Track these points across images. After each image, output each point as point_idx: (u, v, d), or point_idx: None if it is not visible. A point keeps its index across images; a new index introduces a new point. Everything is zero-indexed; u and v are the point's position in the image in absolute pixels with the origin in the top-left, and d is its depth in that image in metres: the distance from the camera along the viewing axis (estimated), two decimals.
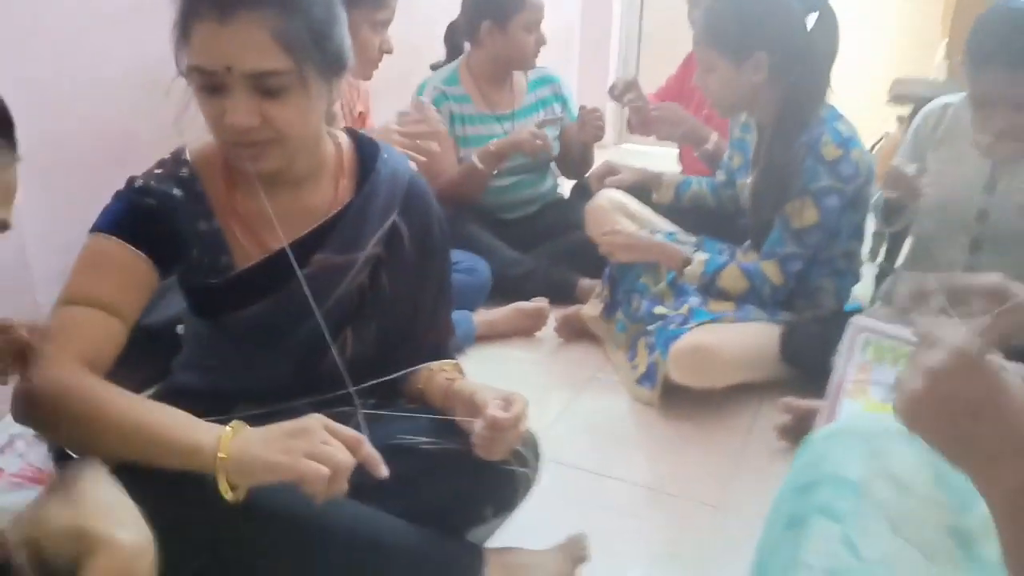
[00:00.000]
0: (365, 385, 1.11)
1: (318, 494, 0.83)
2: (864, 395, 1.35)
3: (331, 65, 1.00)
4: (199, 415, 0.89)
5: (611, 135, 3.72)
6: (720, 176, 2.10)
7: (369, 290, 1.15)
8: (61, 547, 0.65)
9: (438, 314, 1.24)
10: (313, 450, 0.83)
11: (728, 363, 1.69)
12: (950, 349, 0.60)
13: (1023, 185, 1.56)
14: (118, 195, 1.05)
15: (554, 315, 2.14)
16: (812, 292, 1.79)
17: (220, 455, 0.84)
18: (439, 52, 2.50)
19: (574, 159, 2.47)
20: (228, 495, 0.83)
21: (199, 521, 0.87)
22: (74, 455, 0.94)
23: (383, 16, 1.82)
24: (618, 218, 2.05)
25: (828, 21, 1.70)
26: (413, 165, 1.23)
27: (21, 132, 0.80)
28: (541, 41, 2.28)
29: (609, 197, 2.11)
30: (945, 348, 0.60)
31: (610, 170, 2.29)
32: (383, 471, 0.89)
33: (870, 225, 1.88)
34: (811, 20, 1.69)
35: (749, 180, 1.86)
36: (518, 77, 2.41)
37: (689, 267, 1.80)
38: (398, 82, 2.30)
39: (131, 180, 1.06)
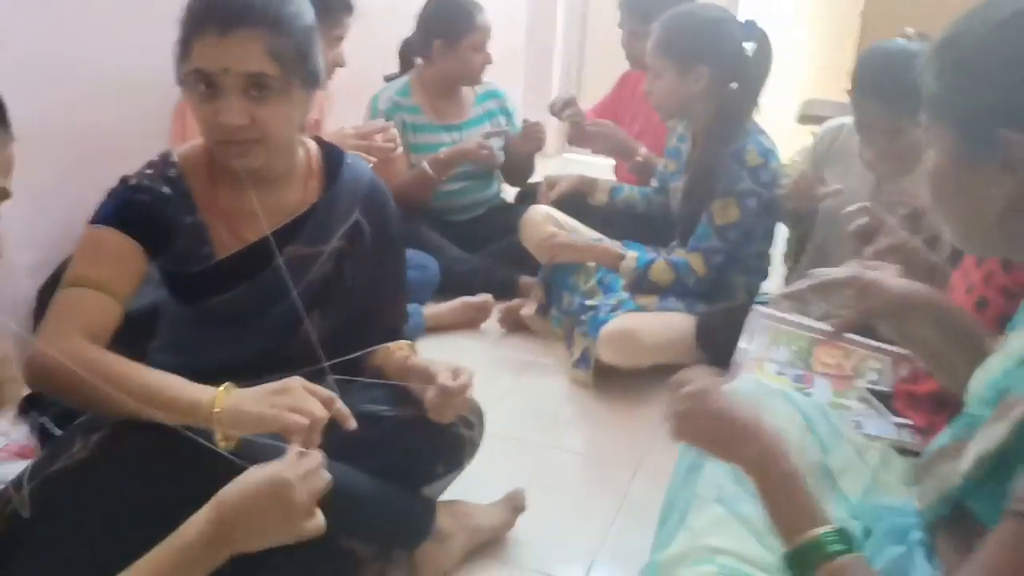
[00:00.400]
0: (333, 362, 1.22)
1: (299, 442, 0.98)
2: (761, 370, 1.57)
3: (310, 78, 1.15)
4: None
5: (553, 146, 3.88)
6: (654, 183, 2.31)
7: (334, 278, 1.28)
8: None
9: (395, 300, 1.40)
10: (294, 404, 0.98)
11: (650, 346, 1.90)
12: (697, 384, 0.85)
13: (903, 197, 1.80)
14: (113, 192, 1.16)
15: (497, 308, 2.31)
16: (726, 287, 2.02)
17: (215, 410, 0.98)
18: (391, 65, 2.64)
19: (517, 167, 2.64)
20: (223, 444, 0.97)
21: (189, 469, 0.96)
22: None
23: (337, 32, 1.97)
24: (549, 228, 2.23)
25: (764, 50, 1.94)
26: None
27: None
28: (488, 60, 2.46)
29: (541, 211, 2.29)
30: (694, 384, 0.85)
31: (551, 184, 2.44)
32: (352, 424, 1.04)
33: (785, 231, 2.11)
34: (750, 47, 1.92)
35: (681, 183, 2.08)
36: (466, 91, 2.57)
37: (624, 262, 2.00)
38: (353, 92, 2.44)
39: (124, 179, 1.17)
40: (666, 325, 1.93)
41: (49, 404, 1.18)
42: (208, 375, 1.04)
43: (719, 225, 1.92)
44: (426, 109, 2.51)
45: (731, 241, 1.94)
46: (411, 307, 2.13)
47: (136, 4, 1.96)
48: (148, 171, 1.19)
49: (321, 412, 1.00)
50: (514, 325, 2.30)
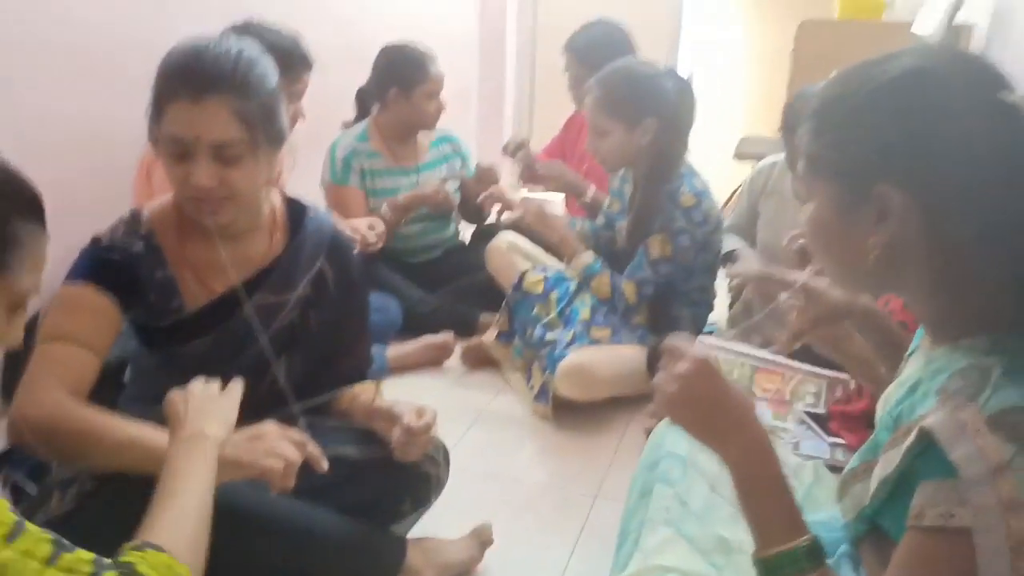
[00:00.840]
0: (302, 405, 1.28)
1: (274, 485, 1.04)
2: None
3: (275, 138, 1.21)
4: None
5: (510, 183, 4.00)
6: (601, 220, 2.42)
7: (300, 325, 1.33)
8: None
9: (359, 343, 1.45)
10: (269, 448, 1.03)
11: (605, 379, 2.00)
12: (692, 359, 0.79)
13: None
14: (85, 252, 1.21)
15: (459, 347, 2.37)
16: (673, 320, 2.11)
17: None
18: (348, 112, 2.71)
19: (473, 208, 2.70)
20: None
21: None
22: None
23: (298, 88, 2.03)
24: (514, 257, 2.32)
25: (688, 96, 2.06)
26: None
27: None
28: (441, 107, 2.54)
29: (507, 240, 2.38)
30: (689, 359, 0.80)
31: (499, 198, 2.48)
32: (324, 465, 1.10)
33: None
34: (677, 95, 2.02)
35: (626, 222, 2.19)
36: (422, 135, 2.65)
37: (576, 259, 2.11)
38: (311, 139, 2.46)
39: (96, 238, 1.22)
40: (619, 359, 2.03)
41: (21, 460, 1.20)
42: None
43: (653, 259, 2.03)
44: (384, 153, 2.58)
45: (662, 275, 2.04)
46: (374, 349, 2.17)
47: (95, 61, 2.01)
48: (119, 229, 1.23)
49: (295, 455, 1.05)
50: (476, 362, 2.36)
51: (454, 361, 2.39)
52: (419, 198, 2.49)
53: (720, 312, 2.34)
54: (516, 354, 2.25)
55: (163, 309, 1.25)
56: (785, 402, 1.64)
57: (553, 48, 2.82)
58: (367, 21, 3.18)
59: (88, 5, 2.00)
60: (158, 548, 0.81)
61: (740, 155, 2.93)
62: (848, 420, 1.55)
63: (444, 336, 2.37)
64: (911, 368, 0.81)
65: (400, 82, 2.47)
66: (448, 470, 1.42)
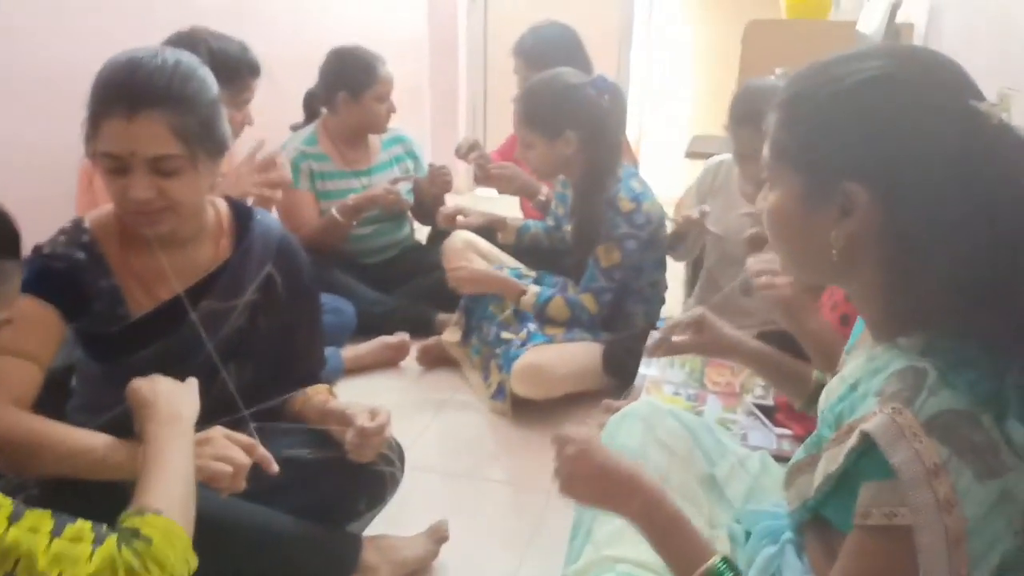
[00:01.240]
0: (253, 410, 1.27)
1: (223, 489, 1.04)
2: (659, 392, 1.70)
3: (215, 148, 1.20)
4: None
5: (464, 183, 4.00)
6: (550, 221, 2.45)
7: (249, 330, 1.32)
8: None
9: (311, 346, 1.45)
10: (216, 453, 1.04)
11: (561, 377, 2.01)
12: (577, 443, 0.92)
13: None
14: (27, 261, 1.15)
15: (415, 347, 2.37)
16: (626, 317, 2.15)
17: None
18: (296, 115, 2.68)
19: (427, 208, 2.72)
20: None
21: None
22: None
23: (245, 96, 1.99)
24: (471, 256, 2.31)
25: (618, 100, 2.08)
26: (274, 213, 1.41)
27: None
28: (391, 109, 2.54)
29: (463, 238, 2.37)
30: (574, 443, 0.92)
31: (459, 210, 2.52)
32: (274, 468, 1.10)
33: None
34: (606, 101, 2.04)
35: (569, 228, 2.20)
36: (372, 137, 2.64)
37: (524, 297, 2.11)
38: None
39: (37, 248, 1.20)
40: (574, 356, 2.04)
41: None
42: (128, 432, 1.07)
43: (604, 268, 2.05)
44: (334, 156, 2.57)
45: (617, 280, 2.06)
46: (329, 350, 2.16)
47: (36, 76, 1.97)
48: (61, 238, 1.22)
49: (243, 459, 1.06)
50: (433, 361, 2.36)
51: (410, 361, 2.39)
52: (370, 199, 2.48)
53: (672, 306, 2.38)
54: (474, 353, 2.26)
55: (108, 318, 1.24)
56: (735, 394, 1.68)
57: (504, 49, 2.83)
58: (315, 24, 3.15)
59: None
60: (157, 511, 0.88)
61: (692, 154, 2.98)
62: (794, 411, 1.59)
63: (400, 336, 2.37)
64: (851, 365, 0.83)
65: (349, 86, 2.46)
66: (403, 468, 1.43)
